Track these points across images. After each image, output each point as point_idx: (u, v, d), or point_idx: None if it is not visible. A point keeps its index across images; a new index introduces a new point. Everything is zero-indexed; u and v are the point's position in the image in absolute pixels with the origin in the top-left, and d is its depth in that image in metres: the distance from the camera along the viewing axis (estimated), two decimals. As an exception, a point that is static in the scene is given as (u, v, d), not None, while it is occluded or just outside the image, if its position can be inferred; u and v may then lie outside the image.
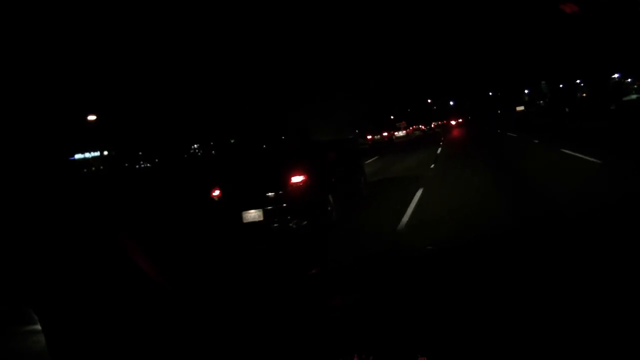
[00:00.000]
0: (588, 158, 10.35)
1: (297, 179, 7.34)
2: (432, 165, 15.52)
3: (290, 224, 7.21)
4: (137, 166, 29.05)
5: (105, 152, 26.30)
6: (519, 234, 2.28)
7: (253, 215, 7.18)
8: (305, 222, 7.30)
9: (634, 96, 35.80)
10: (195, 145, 35.14)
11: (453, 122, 77.68)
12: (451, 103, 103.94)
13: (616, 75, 46.51)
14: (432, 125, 79.43)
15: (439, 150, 23.38)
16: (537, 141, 18.36)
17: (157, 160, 29.40)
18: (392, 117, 79.19)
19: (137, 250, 1.33)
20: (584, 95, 47.57)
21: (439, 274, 1.67)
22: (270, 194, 7.30)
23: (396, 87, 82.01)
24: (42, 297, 1.22)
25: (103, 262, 1.30)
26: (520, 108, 64.94)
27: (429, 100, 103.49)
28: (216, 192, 7.70)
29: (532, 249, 1.75)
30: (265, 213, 7.16)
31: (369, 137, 46.65)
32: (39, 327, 1.24)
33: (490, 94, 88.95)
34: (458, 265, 1.72)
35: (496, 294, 1.36)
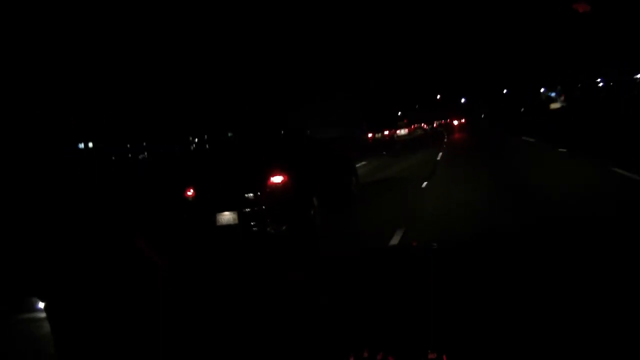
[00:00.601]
0: None
1: (276, 179, 7.13)
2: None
3: (268, 228, 7.01)
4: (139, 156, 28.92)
5: (91, 144, 26.16)
6: (524, 235, 2.26)
7: (227, 217, 6.99)
8: (284, 227, 7.10)
9: None
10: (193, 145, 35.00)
11: (455, 122, 70.34)
12: (462, 100, 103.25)
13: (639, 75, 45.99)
14: (435, 125, 78.12)
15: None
16: None
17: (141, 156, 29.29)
18: (399, 112, 78.52)
19: (151, 250, 1.46)
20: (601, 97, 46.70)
21: (447, 271, 1.65)
22: (247, 194, 7.10)
23: (403, 81, 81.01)
24: (55, 293, 1.33)
25: (118, 260, 1.42)
26: (556, 105, 56.30)
27: (439, 97, 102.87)
28: (190, 192, 7.52)
29: (538, 249, 1.77)
30: (240, 215, 6.96)
31: (370, 135, 46.83)
32: (39, 315, 1.31)
33: (505, 91, 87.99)
34: (466, 262, 1.72)
35: (504, 291, 1.39)
